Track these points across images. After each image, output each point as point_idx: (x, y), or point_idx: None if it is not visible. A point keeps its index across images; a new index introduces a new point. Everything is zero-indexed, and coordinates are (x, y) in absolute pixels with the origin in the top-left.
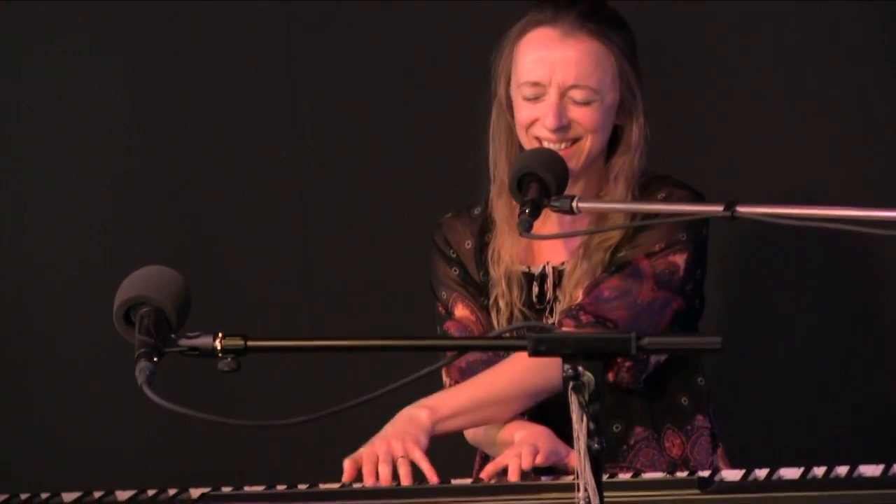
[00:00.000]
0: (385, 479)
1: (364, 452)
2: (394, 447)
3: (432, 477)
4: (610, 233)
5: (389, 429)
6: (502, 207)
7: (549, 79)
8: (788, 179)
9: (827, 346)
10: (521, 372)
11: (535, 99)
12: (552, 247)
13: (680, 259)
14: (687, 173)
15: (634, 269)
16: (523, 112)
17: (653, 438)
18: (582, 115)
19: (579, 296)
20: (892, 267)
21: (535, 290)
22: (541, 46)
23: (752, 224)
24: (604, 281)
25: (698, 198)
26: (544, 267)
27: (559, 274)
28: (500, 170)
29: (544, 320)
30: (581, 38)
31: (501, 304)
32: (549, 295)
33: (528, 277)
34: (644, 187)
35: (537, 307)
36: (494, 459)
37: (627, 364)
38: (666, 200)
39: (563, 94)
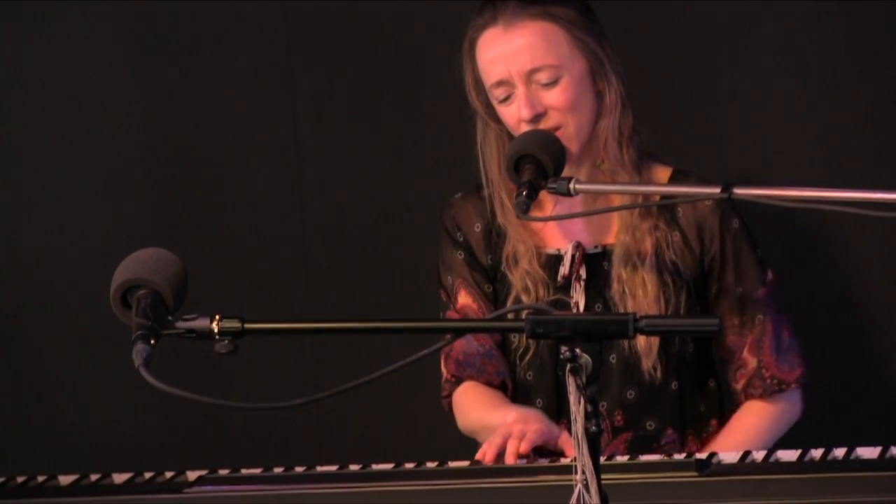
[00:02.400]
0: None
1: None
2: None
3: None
4: (636, 210)
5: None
6: (508, 213)
7: (509, 73)
8: (789, 173)
9: (824, 329)
10: (774, 426)
11: (508, 98)
12: (582, 227)
13: (770, 274)
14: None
15: (766, 308)
16: (506, 116)
17: (678, 442)
18: (554, 98)
19: (633, 279)
20: (889, 250)
21: (563, 270)
22: (491, 47)
23: (749, 208)
24: (760, 336)
25: None
26: (573, 245)
27: (594, 257)
28: (495, 181)
29: (570, 298)
30: (523, 24)
31: (525, 299)
32: (570, 272)
33: (556, 259)
34: (673, 181)
35: (561, 286)
36: (488, 440)
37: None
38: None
39: (528, 82)
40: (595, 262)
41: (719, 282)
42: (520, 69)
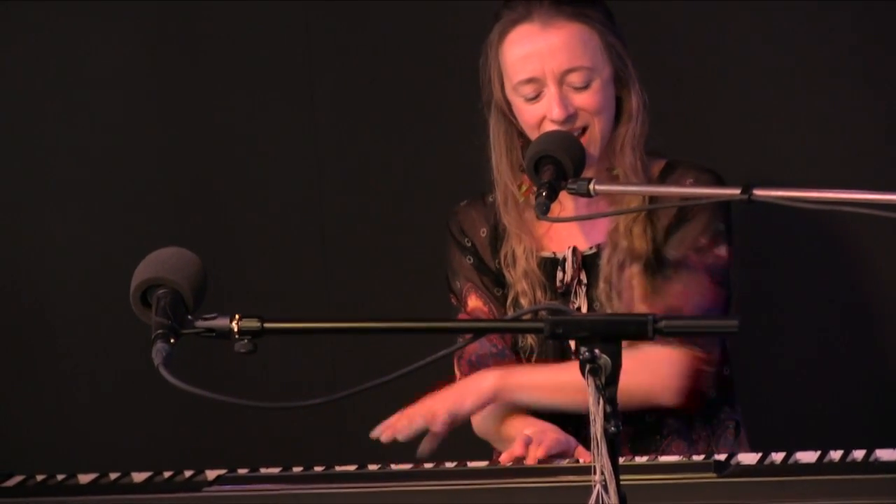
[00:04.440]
0: (400, 430)
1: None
2: (427, 408)
3: (424, 448)
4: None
5: (447, 387)
6: (511, 210)
7: (543, 71)
8: (796, 171)
9: (843, 330)
10: None
11: (536, 97)
12: (577, 230)
13: (722, 251)
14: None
15: (690, 270)
16: (528, 114)
17: (683, 430)
18: (585, 100)
19: (620, 278)
20: None
21: (561, 274)
22: (525, 43)
23: (769, 209)
24: (665, 290)
25: (721, 182)
26: (570, 251)
27: (590, 258)
28: (503, 176)
29: (570, 304)
30: (560, 24)
31: (524, 302)
32: (573, 278)
33: (553, 263)
34: (668, 171)
35: (561, 292)
36: (507, 451)
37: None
38: (694, 186)
39: (561, 83)
40: (592, 263)
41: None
42: (555, 69)
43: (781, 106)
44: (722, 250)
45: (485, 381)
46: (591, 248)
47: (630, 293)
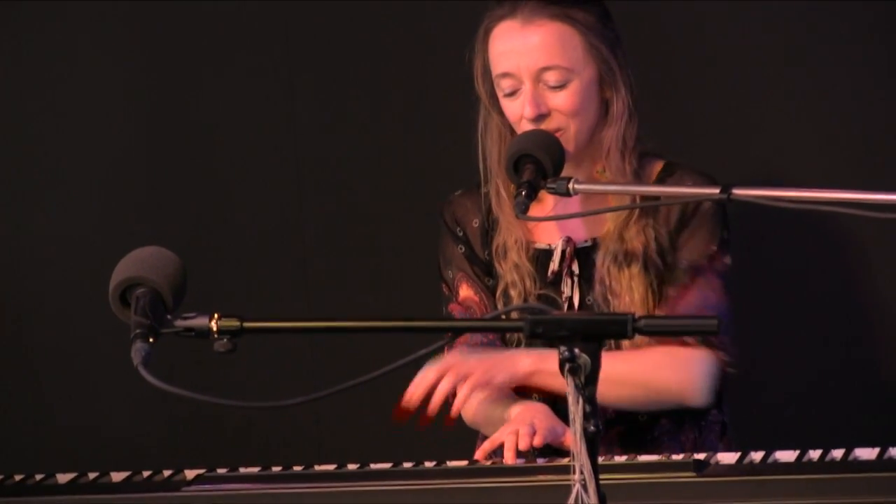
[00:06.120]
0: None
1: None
2: (464, 369)
3: (432, 409)
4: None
5: (486, 357)
6: (504, 205)
7: (518, 68)
8: (788, 170)
9: (822, 329)
10: (647, 361)
11: (513, 93)
12: (576, 222)
13: (728, 258)
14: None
15: (705, 277)
16: (508, 110)
17: (674, 431)
18: (560, 101)
19: (618, 280)
20: (887, 251)
21: (553, 266)
22: (505, 39)
23: (749, 210)
24: (679, 297)
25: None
26: (564, 240)
27: (584, 250)
28: (494, 172)
29: (560, 294)
30: (541, 22)
31: (513, 293)
32: (562, 267)
33: (547, 254)
34: (666, 172)
35: (550, 281)
36: (490, 437)
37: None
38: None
39: (536, 81)
40: (586, 256)
41: (673, 253)
42: (530, 66)
43: (780, 106)
44: (727, 258)
45: (521, 363)
46: (586, 240)
47: (630, 294)
